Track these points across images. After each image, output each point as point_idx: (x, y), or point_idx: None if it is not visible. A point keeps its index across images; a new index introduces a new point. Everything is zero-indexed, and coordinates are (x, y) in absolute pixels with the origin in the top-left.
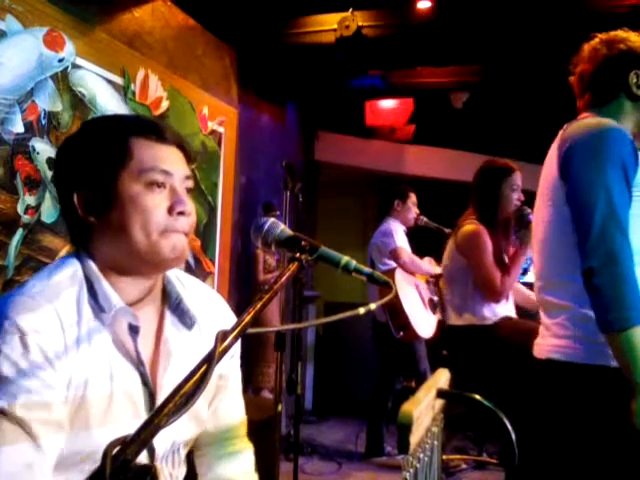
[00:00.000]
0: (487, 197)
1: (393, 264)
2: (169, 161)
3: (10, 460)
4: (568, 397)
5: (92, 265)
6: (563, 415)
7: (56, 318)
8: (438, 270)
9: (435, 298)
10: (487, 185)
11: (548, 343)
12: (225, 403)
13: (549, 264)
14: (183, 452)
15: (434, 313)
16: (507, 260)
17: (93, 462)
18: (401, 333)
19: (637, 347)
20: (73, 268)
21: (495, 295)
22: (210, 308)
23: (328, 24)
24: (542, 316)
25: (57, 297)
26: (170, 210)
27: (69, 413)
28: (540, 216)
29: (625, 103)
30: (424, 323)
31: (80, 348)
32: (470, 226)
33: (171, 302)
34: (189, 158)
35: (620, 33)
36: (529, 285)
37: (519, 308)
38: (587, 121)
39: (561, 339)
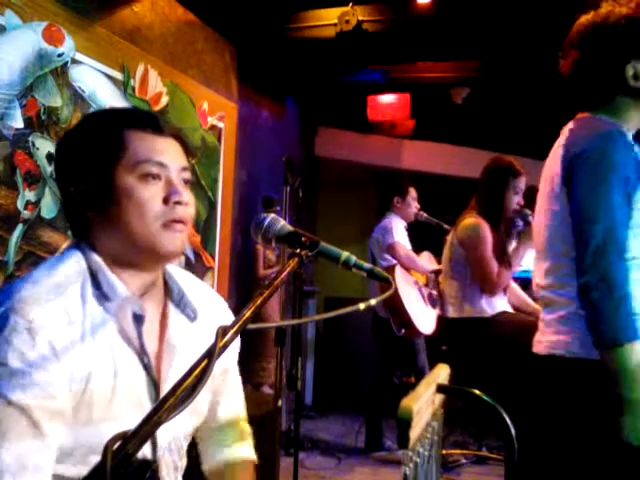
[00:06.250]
0: (491, 194)
1: (393, 260)
2: (165, 153)
3: (16, 451)
4: (571, 392)
5: (95, 256)
6: (568, 411)
7: (62, 310)
8: (435, 266)
9: (435, 292)
10: (493, 183)
11: (549, 339)
12: (226, 397)
13: (553, 264)
14: (184, 443)
15: (434, 308)
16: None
17: (97, 454)
18: (403, 331)
19: (626, 364)
20: (76, 259)
21: (491, 287)
22: (209, 303)
23: (328, 19)
24: (543, 313)
25: (62, 289)
26: (165, 201)
27: (73, 404)
28: (543, 216)
29: (625, 100)
30: (425, 319)
31: (85, 339)
32: (471, 219)
33: (173, 296)
34: (187, 150)
35: (607, 11)
36: (522, 280)
37: (512, 307)
38: (592, 127)
39: (562, 335)
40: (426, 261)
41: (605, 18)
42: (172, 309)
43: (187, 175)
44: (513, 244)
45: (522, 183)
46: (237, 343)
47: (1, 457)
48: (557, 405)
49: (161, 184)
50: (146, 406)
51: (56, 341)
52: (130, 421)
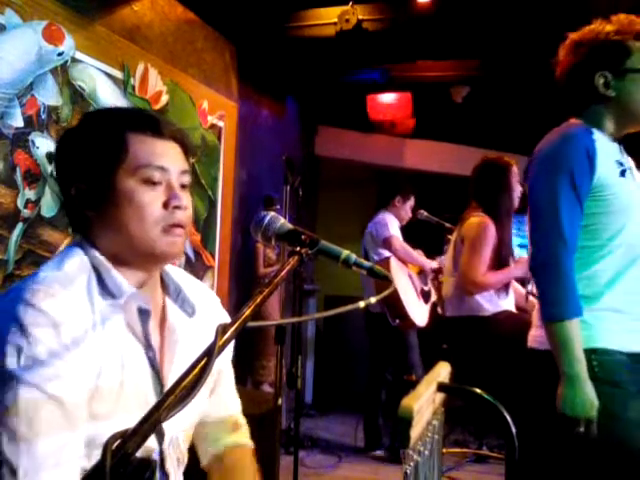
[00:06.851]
0: (495, 192)
1: (386, 254)
2: (165, 157)
3: (51, 444)
4: (549, 385)
5: (97, 254)
6: (549, 404)
7: (75, 305)
8: (435, 264)
9: (426, 288)
10: (494, 180)
11: (532, 333)
12: (220, 397)
13: None
14: (184, 440)
15: (426, 303)
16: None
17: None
18: (397, 321)
19: (566, 339)
20: (79, 257)
21: (471, 285)
22: (205, 299)
23: (328, 18)
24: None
25: (71, 285)
26: (165, 205)
27: (86, 398)
28: None
29: (598, 108)
30: (419, 312)
31: (96, 333)
32: (478, 218)
33: (171, 292)
34: (188, 152)
35: (594, 27)
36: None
37: (518, 308)
38: (561, 129)
39: (539, 328)
40: (420, 256)
41: (590, 32)
42: (170, 305)
43: (186, 179)
44: (516, 250)
45: (516, 173)
46: (231, 346)
47: (37, 450)
48: (542, 399)
49: (161, 188)
50: (152, 400)
51: (74, 332)
52: (137, 415)
